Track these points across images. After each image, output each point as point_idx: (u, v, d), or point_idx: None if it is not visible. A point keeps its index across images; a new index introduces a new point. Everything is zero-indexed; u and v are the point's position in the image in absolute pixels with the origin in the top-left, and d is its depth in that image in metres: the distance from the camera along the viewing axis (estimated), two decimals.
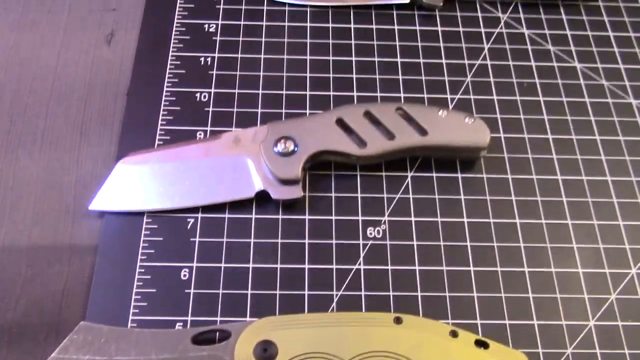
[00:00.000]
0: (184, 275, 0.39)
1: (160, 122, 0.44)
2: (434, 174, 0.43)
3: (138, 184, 0.41)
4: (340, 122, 0.42)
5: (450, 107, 0.46)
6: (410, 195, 0.42)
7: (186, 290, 0.38)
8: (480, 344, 0.35)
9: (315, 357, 0.34)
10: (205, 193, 0.41)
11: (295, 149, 0.41)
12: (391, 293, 0.38)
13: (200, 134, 0.44)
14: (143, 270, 0.39)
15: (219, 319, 0.37)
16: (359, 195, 0.42)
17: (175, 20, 0.49)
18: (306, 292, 0.38)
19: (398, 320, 0.35)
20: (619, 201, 0.42)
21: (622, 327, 0.38)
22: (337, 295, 0.38)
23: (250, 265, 0.39)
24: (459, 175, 0.43)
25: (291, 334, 0.34)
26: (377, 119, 0.42)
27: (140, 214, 0.40)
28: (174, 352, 0.35)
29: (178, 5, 0.50)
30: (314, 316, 0.36)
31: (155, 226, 0.40)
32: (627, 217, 0.42)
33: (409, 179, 0.43)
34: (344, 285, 0.39)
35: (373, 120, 0.42)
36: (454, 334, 0.35)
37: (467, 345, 0.35)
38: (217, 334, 0.36)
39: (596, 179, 0.43)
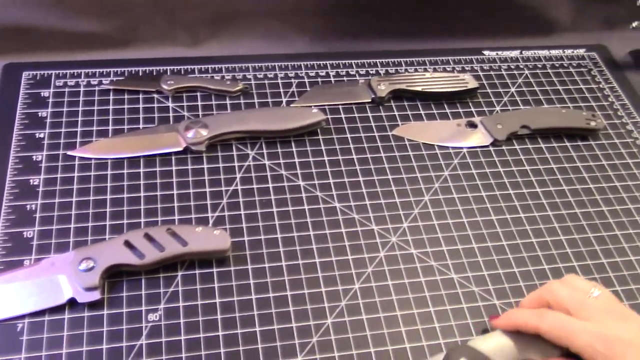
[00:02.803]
0: None
1: None
2: (197, 271, 0.62)
3: None
4: (127, 243, 0.61)
5: (210, 223, 0.66)
6: (180, 288, 0.61)
7: None
8: None
9: None
10: (29, 304, 0.58)
11: (94, 266, 0.59)
12: None
13: (26, 261, 0.61)
14: None
15: None
16: (143, 292, 0.61)
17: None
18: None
19: None
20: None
21: None
22: None
23: (64, 351, 0.56)
24: (214, 270, 0.63)
25: None
26: (153, 237, 0.61)
27: None
28: None
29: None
30: None
31: None
32: None
33: (178, 277, 0.62)
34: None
35: (150, 238, 0.61)
36: None
37: None
38: None
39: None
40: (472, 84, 0.82)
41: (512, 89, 0.86)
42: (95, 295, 0.59)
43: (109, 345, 0.57)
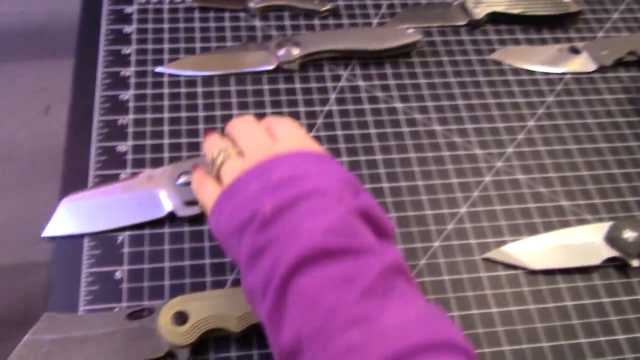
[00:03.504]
0: (117, 276, 0.53)
1: (90, 169, 0.59)
2: None
3: (78, 215, 0.56)
4: None
5: None
6: None
7: (119, 286, 0.53)
8: None
9: (215, 316, 0.49)
10: (129, 217, 0.56)
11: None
12: None
13: (122, 175, 0.59)
14: (87, 274, 0.53)
15: (145, 302, 0.52)
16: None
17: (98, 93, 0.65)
18: (207, 279, 0.54)
19: None
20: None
21: None
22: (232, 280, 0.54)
23: (166, 264, 0.54)
24: None
25: (198, 305, 0.50)
26: None
27: (81, 236, 0.55)
28: (114, 327, 0.50)
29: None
30: (214, 292, 0.52)
31: (94, 243, 0.55)
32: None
33: None
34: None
35: None
36: None
37: None
38: (145, 311, 0.51)
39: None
40: (574, 7, 0.77)
41: (615, 15, 0.80)
42: (195, 210, 0.57)
43: (211, 260, 0.55)
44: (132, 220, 0.56)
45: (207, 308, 0.50)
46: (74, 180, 0.59)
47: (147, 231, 0.56)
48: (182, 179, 0.57)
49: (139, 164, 0.60)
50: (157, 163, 0.60)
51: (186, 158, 0.61)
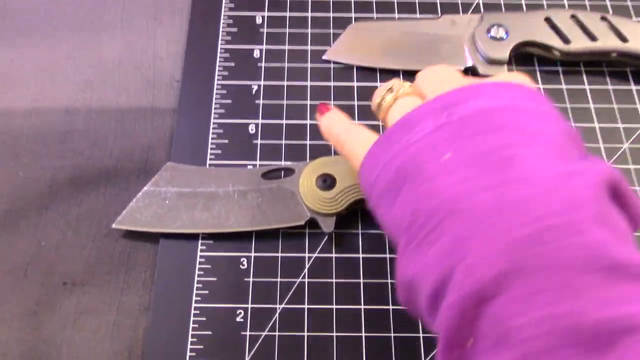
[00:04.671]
0: (252, 130, 0.45)
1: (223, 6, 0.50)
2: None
3: (367, 43, 0.48)
4: (548, 21, 0.47)
5: None
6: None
7: (253, 141, 0.44)
8: None
9: None
10: (423, 60, 0.47)
11: (505, 36, 0.47)
12: None
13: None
14: (216, 125, 0.45)
15: (282, 161, 0.44)
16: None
17: None
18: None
19: None
20: None
21: None
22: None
23: (307, 121, 0.45)
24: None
25: (346, 169, 0.41)
26: (582, 22, 0.47)
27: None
28: (248, 185, 0.42)
29: None
30: None
31: (225, 92, 0.46)
32: None
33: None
34: None
35: (578, 23, 0.47)
36: None
37: None
38: (283, 171, 0.43)
39: None
40: None
41: None
42: (500, 71, 0.46)
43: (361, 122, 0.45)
44: (423, 64, 0.44)
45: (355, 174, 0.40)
46: (204, 16, 0.50)
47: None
48: (493, 31, 0.47)
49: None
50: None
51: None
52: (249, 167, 0.43)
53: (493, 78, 0.31)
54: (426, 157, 0.27)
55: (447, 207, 0.26)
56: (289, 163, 0.43)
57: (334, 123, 0.36)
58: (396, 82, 0.34)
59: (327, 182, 0.40)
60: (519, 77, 0.31)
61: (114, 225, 0.41)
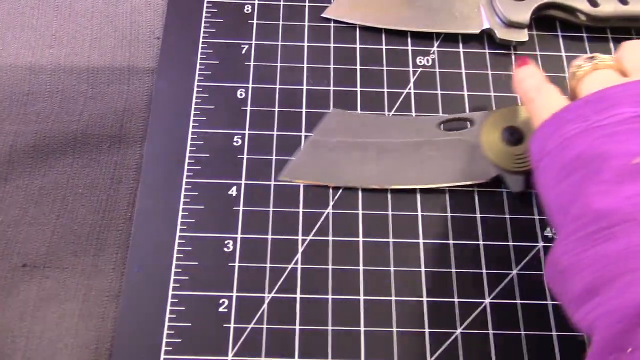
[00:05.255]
0: (240, 95, 0.40)
1: None
2: None
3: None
4: None
5: None
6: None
7: (242, 107, 0.39)
8: None
9: None
10: (434, 21, 0.43)
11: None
12: None
13: None
14: (201, 88, 0.40)
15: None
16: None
17: None
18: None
19: None
20: None
21: None
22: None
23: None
24: None
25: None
26: None
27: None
28: (422, 136, 0.38)
29: None
30: None
31: (212, 50, 0.41)
32: None
33: None
34: None
35: None
36: None
37: None
38: (461, 121, 0.39)
39: None
40: None
41: None
42: (521, 35, 0.42)
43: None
44: (438, 27, 0.42)
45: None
46: None
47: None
48: None
49: None
50: None
51: None
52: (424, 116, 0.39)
53: None
54: (614, 152, 0.26)
55: (623, 214, 0.25)
56: (467, 115, 0.39)
57: (528, 76, 0.34)
58: (596, 54, 0.31)
59: (514, 135, 0.37)
60: None
61: (280, 177, 0.37)
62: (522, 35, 0.41)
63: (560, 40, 0.43)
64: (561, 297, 0.27)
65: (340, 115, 0.39)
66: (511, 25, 0.41)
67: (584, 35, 0.43)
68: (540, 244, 0.36)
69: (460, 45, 0.42)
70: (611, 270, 0.24)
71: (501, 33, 0.41)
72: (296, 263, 0.35)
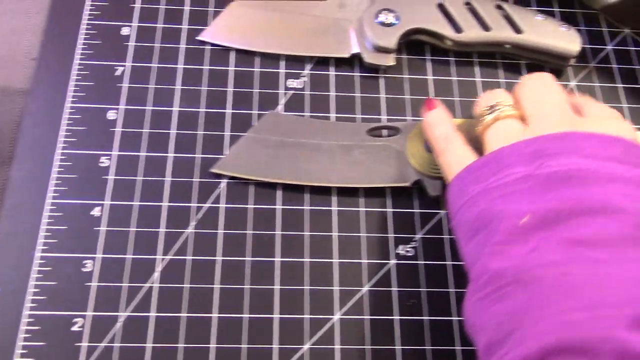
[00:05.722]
0: (111, 116, 0.41)
1: None
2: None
3: (247, 24, 0.44)
4: (441, 7, 0.44)
5: None
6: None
7: (111, 128, 0.40)
8: None
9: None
10: (306, 45, 0.44)
11: (395, 22, 0.43)
12: None
13: None
14: (73, 110, 0.41)
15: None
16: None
17: None
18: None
19: None
20: None
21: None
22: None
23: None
24: None
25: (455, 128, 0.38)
26: (477, 10, 0.44)
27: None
28: (352, 140, 0.40)
29: None
30: (473, 120, 0.38)
31: (87, 72, 0.42)
32: None
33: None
34: None
35: (472, 11, 0.44)
36: None
37: None
38: (387, 130, 0.41)
39: None
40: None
41: None
42: (388, 60, 0.43)
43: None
44: (308, 51, 0.44)
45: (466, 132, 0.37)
46: None
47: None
48: (382, 16, 0.43)
49: None
50: None
51: None
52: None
53: (600, 124, 0.30)
54: (507, 212, 0.28)
55: (513, 274, 0.27)
56: (394, 124, 0.41)
57: (438, 124, 0.36)
58: (499, 96, 0.33)
59: None
60: (628, 130, 0.31)
61: (212, 169, 0.39)
62: (389, 60, 0.43)
63: (428, 64, 0.45)
64: (476, 347, 0.29)
65: (277, 117, 0.41)
66: (379, 49, 0.43)
67: (451, 59, 0.45)
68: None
69: (332, 68, 0.44)
70: (504, 329, 0.26)
71: (369, 57, 0.43)
72: (153, 282, 0.36)
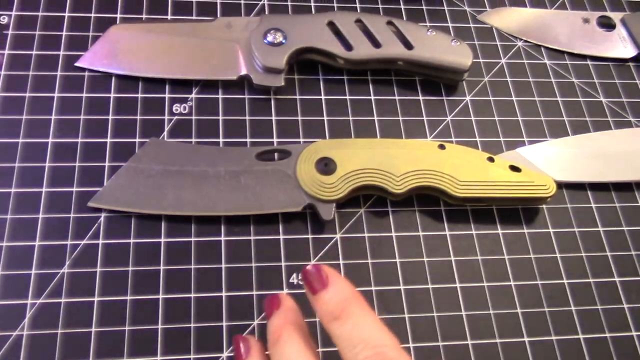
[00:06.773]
0: None
1: None
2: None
3: (129, 47, 0.42)
4: (331, 25, 0.43)
5: None
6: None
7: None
8: (514, 168, 0.39)
9: (369, 172, 0.38)
10: (192, 68, 0.42)
11: (283, 42, 0.42)
12: None
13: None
14: None
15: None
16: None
17: None
18: None
19: (442, 147, 0.39)
20: None
21: None
22: None
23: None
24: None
25: (347, 153, 0.38)
26: (367, 27, 0.43)
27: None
28: (240, 166, 0.38)
29: None
30: (365, 140, 0.40)
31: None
32: None
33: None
34: None
35: (363, 28, 0.43)
36: (491, 160, 0.39)
37: (503, 168, 0.39)
38: (277, 153, 0.39)
39: None
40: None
41: None
42: (277, 81, 0.41)
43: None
44: (195, 74, 0.42)
45: (359, 159, 0.38)
46: None
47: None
48: (270, 36, 0.42)
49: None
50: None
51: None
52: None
53: None
54: None
55: None
56: (285, 146, 0.39)
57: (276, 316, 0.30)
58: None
59: (327, 166, 0.37)
60: None
61: (89, 204, 0.36)
62: (279, 80, 0.42)
63: (321, 83, 0.43)
64: None
65: (160, 144, 0.39)
66: (268, 70, 0.42)
67: (345, 77, 0.44)
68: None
69: (220, 91, 0.42)
70: None
71: (257, 78, 0.42)
72: (24, 330, 0.33)
